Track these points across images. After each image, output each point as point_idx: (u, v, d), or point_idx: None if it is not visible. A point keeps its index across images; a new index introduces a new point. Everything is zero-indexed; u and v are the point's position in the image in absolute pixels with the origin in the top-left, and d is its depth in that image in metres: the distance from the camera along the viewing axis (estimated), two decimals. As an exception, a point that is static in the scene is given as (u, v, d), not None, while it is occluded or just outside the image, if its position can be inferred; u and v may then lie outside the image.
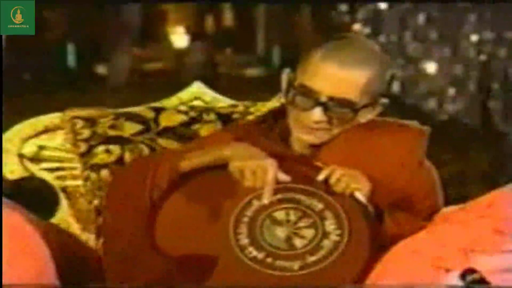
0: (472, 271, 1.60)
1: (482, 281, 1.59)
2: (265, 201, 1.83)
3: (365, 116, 1.95)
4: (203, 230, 1.82)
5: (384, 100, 1.96)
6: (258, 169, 1.83)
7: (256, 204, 1.84)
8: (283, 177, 1.85)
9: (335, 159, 1.90)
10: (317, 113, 1.90)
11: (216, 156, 1.89)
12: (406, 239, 1.79)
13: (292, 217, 1.83)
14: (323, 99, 1.89)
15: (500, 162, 5.33)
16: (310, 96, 1.90)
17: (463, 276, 1.60)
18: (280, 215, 1.83)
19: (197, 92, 2.31)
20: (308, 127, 1.93)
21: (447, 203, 1.99)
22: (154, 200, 1.88)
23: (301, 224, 1.82)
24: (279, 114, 2.02)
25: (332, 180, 1.86)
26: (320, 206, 1.84)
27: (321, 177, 1.87)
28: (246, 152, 1.87)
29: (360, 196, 1.84)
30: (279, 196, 1.85)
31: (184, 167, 1.90)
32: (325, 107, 1.89)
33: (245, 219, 1.83)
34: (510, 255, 1.64)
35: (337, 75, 1.88)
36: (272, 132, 2.01)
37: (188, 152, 1.95)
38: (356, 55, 1.90)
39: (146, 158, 2.08)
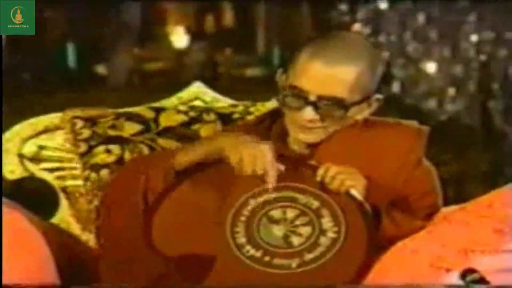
0: (472, 271, 1.60)
1: (482, 281, 1.59)
2: (270, 185, 1.83)
3: (361, 113, 1.94)
4: (200, 229, 1.82)
5: (379, 96, 1.95)
6: (256, 154, 1.82)
7: (252, 203, 1.84)
8: (279, 166, 1.85)
9: (333, 159, 1.90)
10: (307, 113, 1.89)
11: (210, 147, 1.89)
12: (405, 239, 1.79)
13: (289, 215, 1.83)
14: (312, 98, 1.89)
15: (500, 162, 5.33)
16: (300, 96, 1.90)
17: (463, 276, 1.60)
18: (277, 213, 1.83)
19: (197, 92, 2.31)
20: (303, 127, 1.93)
21: (447, 203, 1.99)
22: (148, 201, 1.88)
23: (298, 222, 1.82)
24: (277, 114, 2.02)
25: (327, 178, 1.86)
26: (316, 204, 1.84)
27: (318, 178, 1.87)
28: (240, 139, 1.87)
29: (356, 193, 1.84)
30: (275, 194, 1.85)
31: (179, 163, 1.90)
32: (315, 106, 1.89)
33: (242, 218, 1.83)
34: (510, 255, 1.64)
35: (324, 73, 1.87)
36: (270, 133, 2.01)
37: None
38: (342, 51, 1.88)
39: (140, 159, 2.08)
